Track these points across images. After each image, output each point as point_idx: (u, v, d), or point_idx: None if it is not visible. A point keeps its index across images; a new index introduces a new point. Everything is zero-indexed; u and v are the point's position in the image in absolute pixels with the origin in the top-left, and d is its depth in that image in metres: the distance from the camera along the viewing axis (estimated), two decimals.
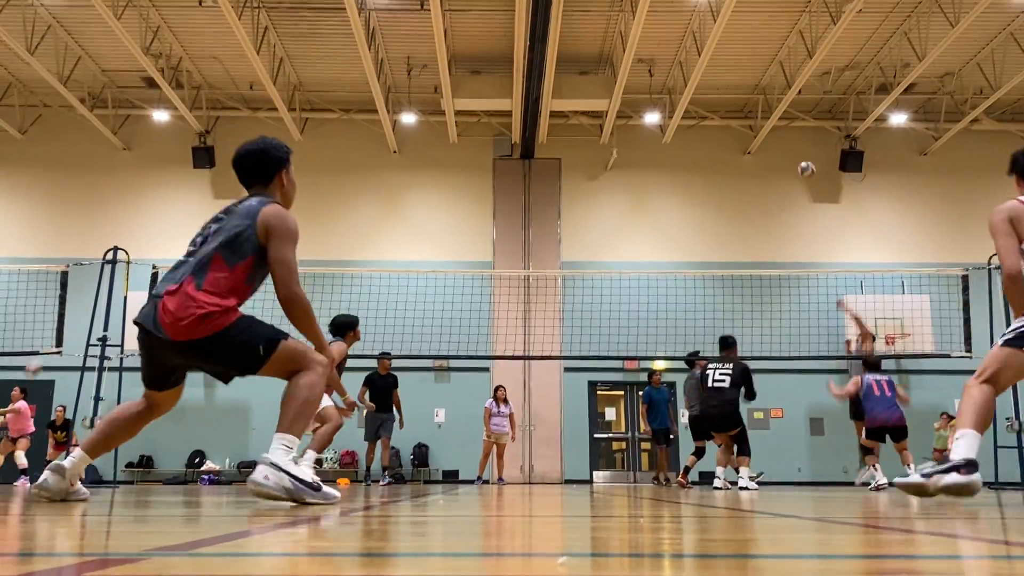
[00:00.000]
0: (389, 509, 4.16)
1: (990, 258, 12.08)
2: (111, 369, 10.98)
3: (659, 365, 15.89)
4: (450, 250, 18.10)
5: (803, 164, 9.76)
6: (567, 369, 17.81)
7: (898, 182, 19.05)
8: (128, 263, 11.23)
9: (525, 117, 17.11)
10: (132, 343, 13.63)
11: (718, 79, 17.43)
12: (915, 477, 4.27)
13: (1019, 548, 2.10)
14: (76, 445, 14.32)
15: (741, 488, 10.30)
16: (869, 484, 11.59)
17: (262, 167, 4.43)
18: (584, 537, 2.51)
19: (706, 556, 1.94)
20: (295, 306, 4.18)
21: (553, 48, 14.70)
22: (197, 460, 16.94)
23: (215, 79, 18.00)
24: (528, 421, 17.52)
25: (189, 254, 4.24)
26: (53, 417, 14.96)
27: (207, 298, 3.98)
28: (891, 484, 10.79)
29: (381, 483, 13.58)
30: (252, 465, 17.60)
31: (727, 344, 11.59)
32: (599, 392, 18.33)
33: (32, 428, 14.14)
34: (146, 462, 17.30)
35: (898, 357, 16.82)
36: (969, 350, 13.21)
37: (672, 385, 15.99)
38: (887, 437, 11.24)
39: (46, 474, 4.38)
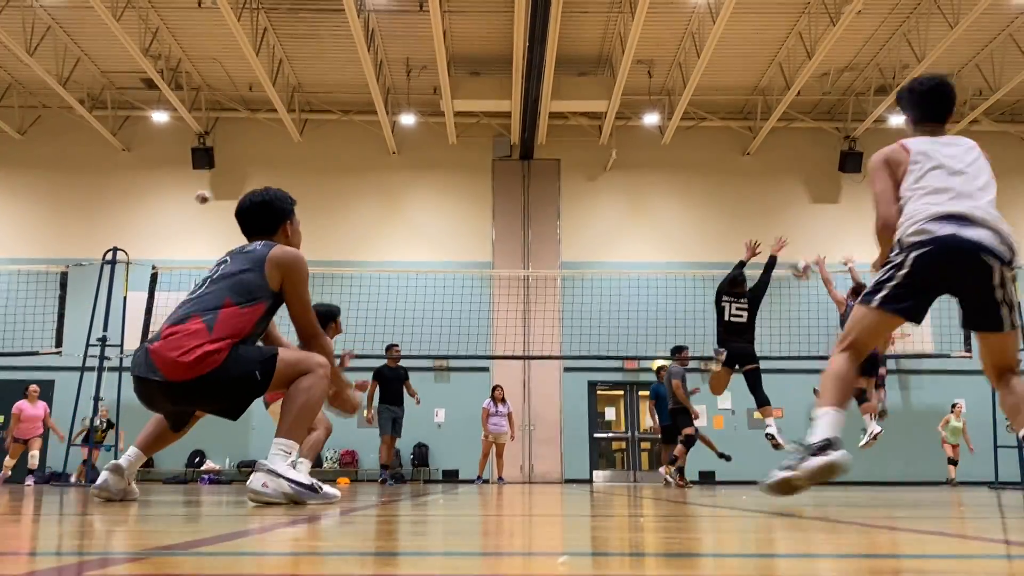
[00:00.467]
0: (389, 509, 4.17)
1: None
2: (111, 369, 10.99)
3: (658, 364, 15.87)
4: (450, 251, 18.11)
5: (801, 264, 10.00)
6: (567, 369, 17.82)
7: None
8: (128, 264, 11.23)
9: (524, 118, 17.12)
10: (132, 343, 13.59)
11: (717, 80, 17.43)
12: (776, 474, 3.86)
13: (1019, 548, 2.10)
14: (100, 444, 14.29)
15: (769, 436, 10.13)
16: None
17: (266, 219, 4.35)
18: (584, 536, 2.52)
19: (706, 556, 1.94)
20: (319, 348, 4.18)
21: (552, 49, 14.71)
22: (197, 460, 16.94)
23: (214, 80, 18.01)
24: (528, 421, 17.52)
25: (191, 293, 4.15)
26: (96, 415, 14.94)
27: (208, 338, 3.84)
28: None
29: (386, 482, 13.30)
30: (252, 465, 17.59)
31: (741, 280, 11.31)
32: (599, 392, 18.33)
33: (40, 429, 14.06)
34: (146, 462, 17.29)
35: (898, 357, 16.81)
36: (969, 350, 13.22)
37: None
38: None
39: (105, 474, 4.31)
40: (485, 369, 17.56)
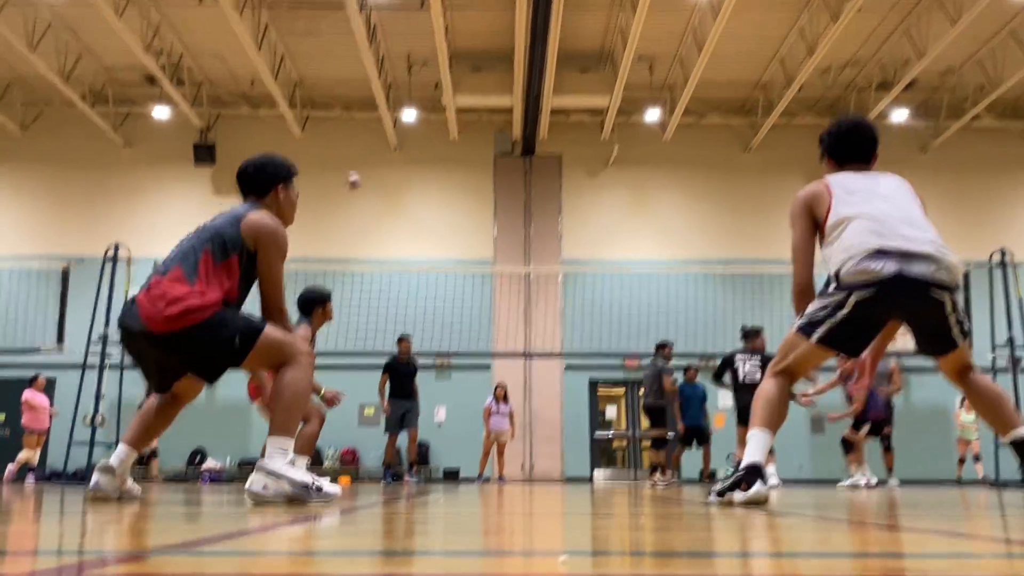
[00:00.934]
0: (389, 508, 4.17)
1: (991, 255, 12.09)
2: (112, 367, 11.00)
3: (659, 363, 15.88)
4: (451, 247, 18.10)
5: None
6: (568, 367, 17.82)
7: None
8: (129, 260, 11.23)
9: (526, 114, 17.11)
10: None
11: (718, 76, 17.41)
12: (712, 499, 4.07)
13: (1019, 547, 2.10)
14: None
15: (771, 486, 10.02)
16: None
17: (259, 181, 4.41)
18: (585, 535, 2.52)
19: (706, 555, 1.94)
20: (280, 324, 4.16)
21: (554, 45, 14.69)
22: (198, 458, 16.94)
23: (216, 76, 18.00)
24: (529, 419, 17.52)
25: (175, 248, 4.20)
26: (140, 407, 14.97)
27: (191, 290, 3.90)
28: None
29: (407, 479, 12.72)
30: (253, 464, 17.50)
31: (753, 334, 11.03)
32: (600, 390, 18.33)
33: (48, 422, 14.01)
34: (147, 460, 17.30)
35: (899, 355, 16.81)
36: (970, 348, 13.20)
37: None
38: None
39: (96, 476, 4.31)
40: (486, 367, 17.56)
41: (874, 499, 5.73)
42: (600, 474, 17.71)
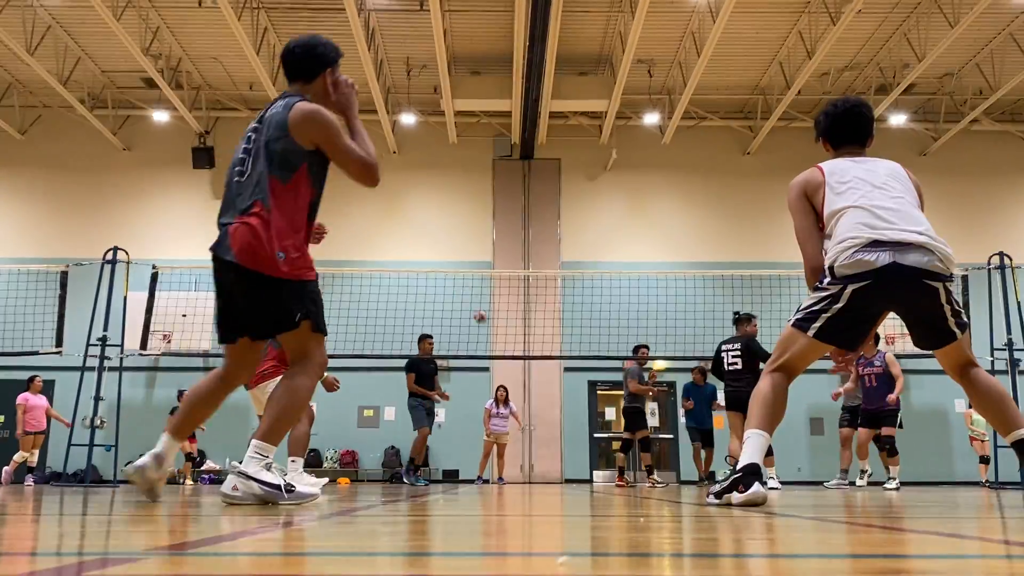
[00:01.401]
0: (388, 509, 4.17)
1: (990, 258, 12.08)
2: (111, 369, 10.98)
3: (659, 365, 15.89)
4: (450, 250, 18.10)
5: None
6: (567, 369, 17.81)
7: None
8: (128, 263, 11.22)
9: (525, 117, 17.12)
10: (132, 343, 13.56)
11: (718, 80, 17.43)
12: (710, 500, 4.07)
13: (1019, 548, 2.10)
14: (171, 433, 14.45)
15: (771, 488, 9.86)
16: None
17: (306, 63, 4.21)
18: (584, 536, 2.52)
19: (706, 555, 1.94)
20: (371, 172, 4.13)
21: (552, 48, 14.71)
22: (197, 460, 16.91)
23: (215, 80, 18.01)
24: (528, 421, 17.52)
25: (240, 175, 4.00)
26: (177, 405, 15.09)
27: (281, 233, 3.83)
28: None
29: (416, 481, 12.35)
30: None
31: (744, 320, 10.89)
32: (599, 392, 18.33)
33: (44, 423, 14.05)
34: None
35: (898, 357, 16.80)
36: (969, 342, 13.19)
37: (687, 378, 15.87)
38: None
39: (147, 457, 4.07)
40: (485, 369, 17.56)
41: (873, 500, 5.74)
42: (599, 476, 17.71)
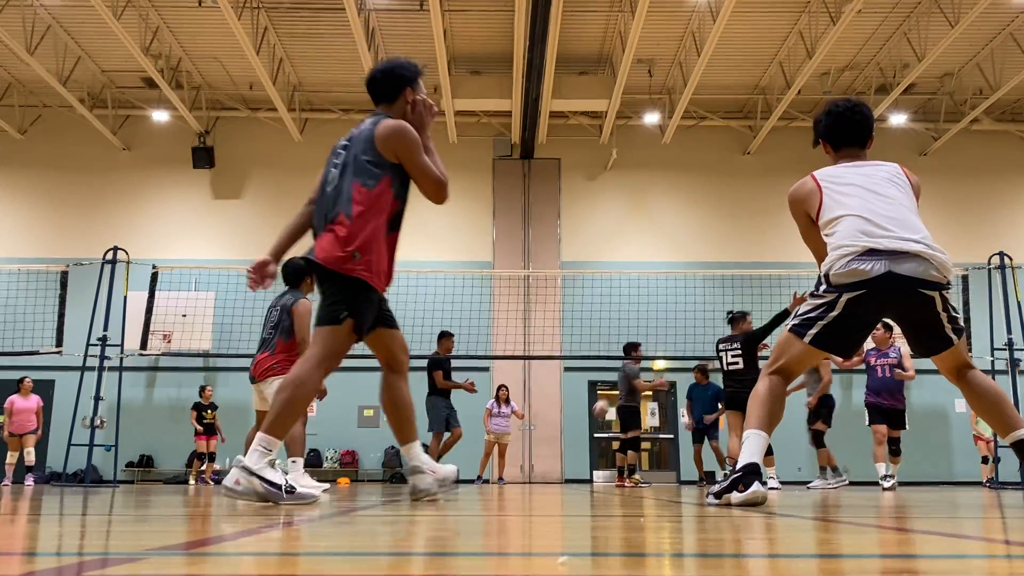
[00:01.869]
0: (388, 509, 4.17)
1: (990, 258, 12.08)
2: (111, 369, 10.98)
3: (659, 364, 15.89)
4: (450, 250, 18.10)
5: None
6: (567, 369, 17.81)
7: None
8: (128, 263, 11.22)
9: (525, 117, 17.11)
10: (132, 343, 13.52)
11: (718, 79, 17.43)
12: (710, 500, 4.09)
13: (1019, 548, 2.10)
14: (212, 428, 14.58)
15: (771, 488, 9.68)
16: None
17: (386, 86, 4.50)
18: (584, 536, 2.52)
19: (706, 555, 1.94)
20: (443, 189, 4.32)
21: (553, 48, 14.70)
22: (194, 461, 16.91)
23: (215, 79, 18.01)
24: (528, 421, 17.52)
25: (330, 187, 4.32)
26: (200, 399, 15.19)
27: (359, 236, 4.06)
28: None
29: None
30: None
31: (738, 318, 10.80)
32: (599, 392, 18.32)
33: (34, 424, 14.07)
34: (146, 462, 17.30)
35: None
36: (969, 350, 13.18)
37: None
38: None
39: (234, 472, 3.95)
40: (485, 369, 17.55)
41: (873, 500, 5.73)
42: (599, 476, 17.72)
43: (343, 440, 17.32)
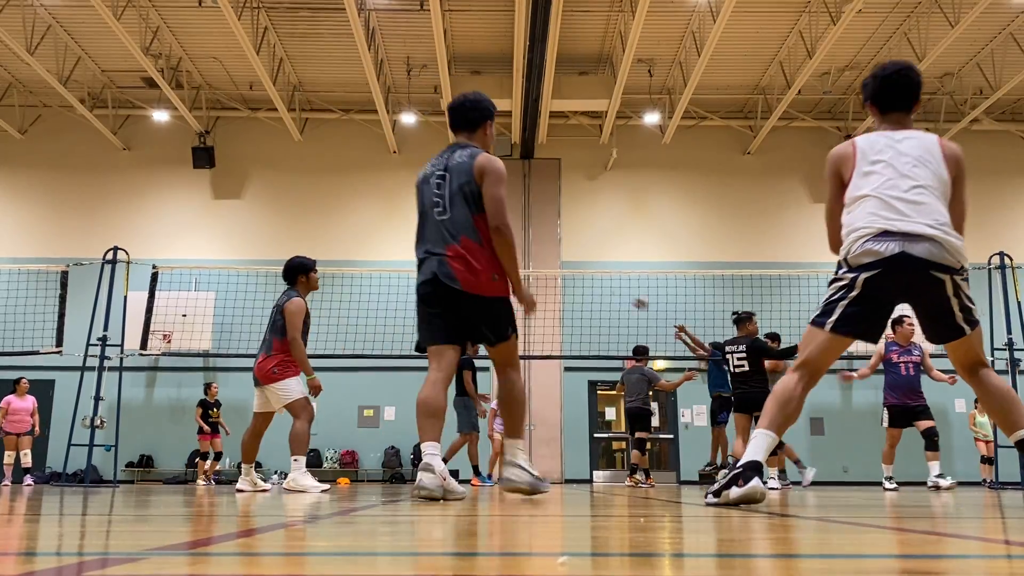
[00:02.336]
0: (389, 509, 4.17)
1: (990, 258, 12.08)
2: (111, 369, 10.98)
3: (659, 364, 15.88)
4: None
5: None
6: (567, 369, 17.81)
7: None
8: (128, 263, 11.22)
9: (525, 117, 17.11)
10: (132, 343, 13.50)
11: (718, 79, 17.43)
12: (709, 498, 4.09)
13: (1019, 548, 2.10)
14: (217, 425, 14.86)
15: (771, 488, 9.60)
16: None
17: (474, 115, 5.01)
18: (584, 536, 2.51)
19: (706, 556, 1.94)
20: (503, 235, 4.81)
21: (553, 48, 14.70)
22: (197, 460, 16.91)
23: (215, 79, 18.01)
24: (528, 421, 17.51)
25: (441, 213, 4.85)
26: (205, 396, 15.25)
27: (490, 259, 4.73)
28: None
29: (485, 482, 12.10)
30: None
31: (744, 319, 10.63)
32: (599, 392, 18.33)
33: (29, 424, 14.08)
34: (146, 462, 17.30)
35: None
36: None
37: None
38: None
39: (421, 475, 4.59)
40: (485, 369, 17.51)
41: (871, 500, 5.73)
42: (599, 476, 17.71)
43: (343, 440, 17.32)
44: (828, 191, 4.17)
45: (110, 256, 10.97)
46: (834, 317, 3.88)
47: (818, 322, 3.96)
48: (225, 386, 16.60)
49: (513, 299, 4.86)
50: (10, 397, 14.10)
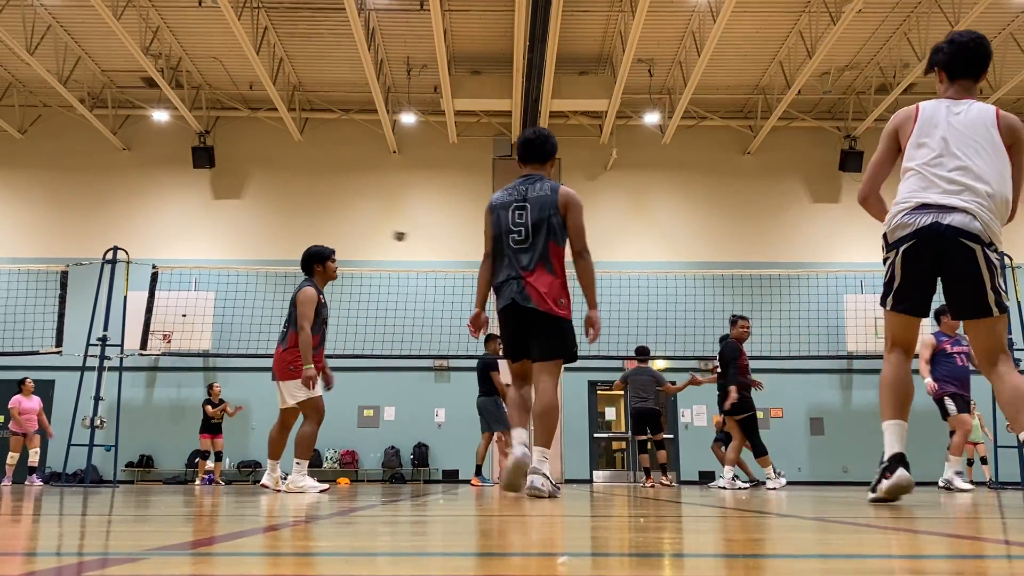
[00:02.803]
0: (389, 509, 4.17)
1: None
2: (111, 369, 10.97)
3: (659, 364, 15.88)
4: (450, 250, 18.09)
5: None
6: (567, 369, 17.71)
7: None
8: (128, 263, 11.22)
9: (525, 117, 17.11)
10: (132, 343, 13.49)
11: (718, 79, 17.43)
12: (870, 495, 4.29)
13: (1019, 548, 2.10)
14: (220, 421, 14.95)
15: (770, 488, 9.69)
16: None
17: (545, 150, 5.55)
18: (584, 537, 2.51)
19: (706, 556, 1.94)
20: (585, 259, 5.29)
21: (553, 48, 14.70)
22: (197, 460, 16.92)
23: (215, 79, 18.01)
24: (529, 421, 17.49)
25: (521, 242, 5.26)
26: (208, 396, 15.29)
27: (561, 288, 5.21)
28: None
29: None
30: (252, 465, 17.52)
31: (731, 322, 10.74)
32: (599, 392, 18.33)
33: (36, 426, 14.08)
34: (146, 462, 17.30)
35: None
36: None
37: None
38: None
39: (530, 478, 5.02)
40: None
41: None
42: (599, 476, 17.72)
43: (343, 440, 17.32)
44: (880, 146, 4.30)
45: (110, 256, 10.97)
46: (890, 297, 4.07)
47: (883, 303, 4.13)
48: (225, 386, 16.61)
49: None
50: (19, 397, 14.09)
